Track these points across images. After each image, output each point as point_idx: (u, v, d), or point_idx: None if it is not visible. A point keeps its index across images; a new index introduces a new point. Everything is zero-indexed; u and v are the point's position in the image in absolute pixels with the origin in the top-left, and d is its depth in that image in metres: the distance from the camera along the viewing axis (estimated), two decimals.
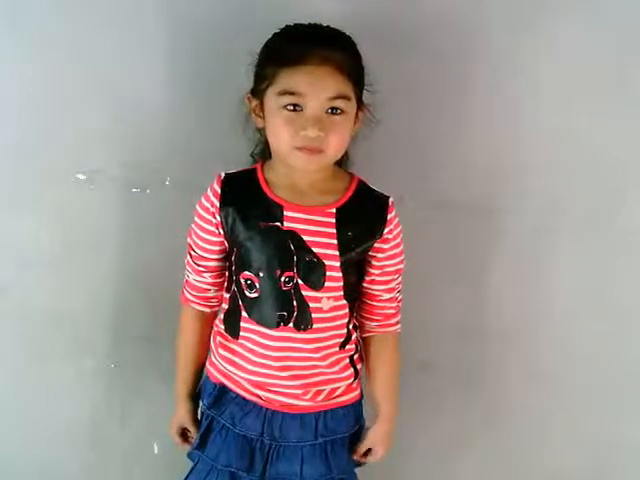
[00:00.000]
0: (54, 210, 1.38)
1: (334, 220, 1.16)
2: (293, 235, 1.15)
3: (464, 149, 1.40)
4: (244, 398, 1.22)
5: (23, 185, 1.37)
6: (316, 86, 1.08)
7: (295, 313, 1.16)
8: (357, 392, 1.27)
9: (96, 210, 1.39)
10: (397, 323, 1.29)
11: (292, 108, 1.09)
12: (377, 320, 1.27)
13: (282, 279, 1.15)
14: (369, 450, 1.29)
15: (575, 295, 1.48)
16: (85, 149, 1.36)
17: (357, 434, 1.28)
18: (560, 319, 1.49)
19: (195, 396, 1.30)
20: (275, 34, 1.15)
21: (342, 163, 1.25)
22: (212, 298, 1.26)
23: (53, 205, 1.38)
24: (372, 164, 1.36)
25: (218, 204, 1.17)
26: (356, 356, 1.27)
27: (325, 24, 1.14)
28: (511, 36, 1.34)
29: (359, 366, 1.28)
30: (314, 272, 1.16)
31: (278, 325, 1.17)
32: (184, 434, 1.31)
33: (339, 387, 1.24)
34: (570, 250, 1.45)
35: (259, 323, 1.18)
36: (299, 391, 1.20)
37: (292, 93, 1.08)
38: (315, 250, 1.15)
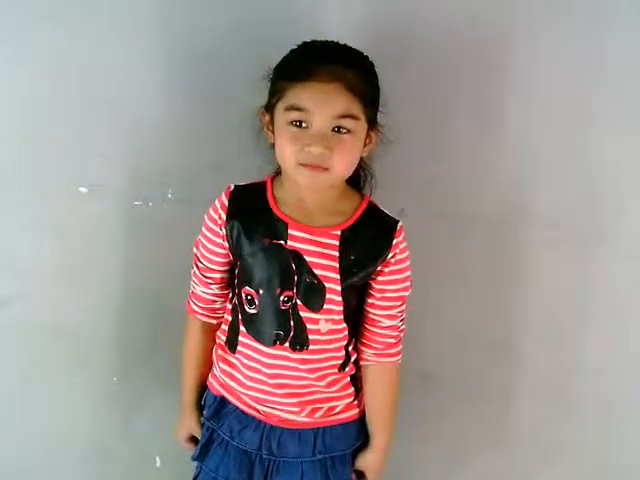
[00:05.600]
0: (56, 223, 1.39)
1: (338, 243, 1.14)
2: (296, 255, 1.14)
3: (465, 162, 1.39)
4: (243, 411, 1.22)
5: (25, 198, 1.38)
6: (322, 103, 1.06)
7: (292, 333, 1.15)
8: (358, 410, 1.25)
9: (98, 223, 1.39)
10: (397, 354, 1.24)
11: (298, 124, 1.08)
12: (376, 348, 1.22)
13: (281, 298, 1.14)
14: (361, 473, 1.28)
15: (577, 307, 1.46)
16: (87, 163, 1.36)
17: (360, 450, 1.26)
18: (563, 331, 1.47)
19: (201, 407, 1.29)
20: (291, 50, 1.13)
21: (357, 184, 1.23)
22: (218, 309, 1.26)
23: (55, 218, 1.38)
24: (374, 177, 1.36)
25: (225, 216, 1.16)
26: (358, 375, 1.25)
27: (342, 42, 1.12)
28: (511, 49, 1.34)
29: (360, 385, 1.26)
30: (314, 294, 1.14)
31: (274, 343, 1.16)
32: (190, 439, 1.31)
33: (338, 405, 1.23)
34: (571, 262, 1.43)
35: (256, 339, 1.17)
36: (296, 408, 1.20)
37: (298, 109, 1.07)
38: (317, 272, 1.14)
